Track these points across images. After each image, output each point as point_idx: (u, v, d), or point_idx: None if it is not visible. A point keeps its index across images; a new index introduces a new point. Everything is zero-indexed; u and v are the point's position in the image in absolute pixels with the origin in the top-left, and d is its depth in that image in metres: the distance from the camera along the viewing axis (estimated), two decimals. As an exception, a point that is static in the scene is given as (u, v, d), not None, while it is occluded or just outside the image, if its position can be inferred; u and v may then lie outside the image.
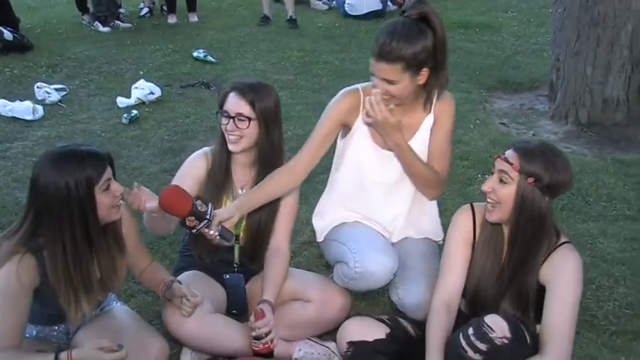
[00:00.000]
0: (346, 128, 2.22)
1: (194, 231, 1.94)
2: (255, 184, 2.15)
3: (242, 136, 2.11)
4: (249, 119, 2.09)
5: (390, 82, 2.01)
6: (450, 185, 3.45)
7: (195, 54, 5.66)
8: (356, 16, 7.02)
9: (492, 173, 1.86)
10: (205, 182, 2.18)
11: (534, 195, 1.78)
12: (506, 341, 1.73)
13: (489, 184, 1.85)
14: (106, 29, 6.60)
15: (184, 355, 2.14)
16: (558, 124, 4.34)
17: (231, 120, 2.10)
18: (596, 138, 4.12)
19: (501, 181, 1.82)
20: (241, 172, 2.22)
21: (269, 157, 2.17)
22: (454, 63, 5.61)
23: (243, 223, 2.19)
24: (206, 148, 2.25)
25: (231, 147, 2.13)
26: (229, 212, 2.02)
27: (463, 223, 1.97)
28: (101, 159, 1.76)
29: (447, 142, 2.22)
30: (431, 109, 2.18)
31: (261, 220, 2.19)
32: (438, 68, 2.06)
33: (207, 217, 1.93)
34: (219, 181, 2.18)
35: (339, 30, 6.72)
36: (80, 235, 1.73)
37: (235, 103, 2.10)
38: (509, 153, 1.82)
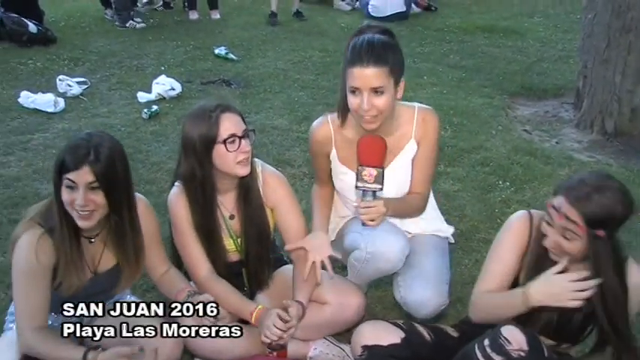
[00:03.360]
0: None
1: (359, 185, 1.96)
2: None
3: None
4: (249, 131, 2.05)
5: (377, 92, 1.98)
6: (471, 192, 3.41)
7: (216, 51, 5.66)
8: (379, 17, 6.97)
9: (547, 223, 1.76)
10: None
11: (609, 245, 1.70)
12: (522, 354, 1.69)
13: (553, 240, 1.75)
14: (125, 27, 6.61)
15: None
16: (583, 133, 4.26)
17: (240, 139, 2.01)
18: (622, 148, 4.04)
19: (565, 237, 1.73)
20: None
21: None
22: (477, 67, 5.56)
23: (241, 246, 2.16)
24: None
25: (243, 170, 2.04)
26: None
27: (519, 232, 1.87)
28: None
29: (432, 157, 2.21)
30: (412, 132, 2.16)
31: (252, 245, 2.14)
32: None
33: (369, 189, 1.94)
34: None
35: (362, 31, 6.68)
36: None
37: (237, 121, 2.02)
38: (563, 204, 1.69)
